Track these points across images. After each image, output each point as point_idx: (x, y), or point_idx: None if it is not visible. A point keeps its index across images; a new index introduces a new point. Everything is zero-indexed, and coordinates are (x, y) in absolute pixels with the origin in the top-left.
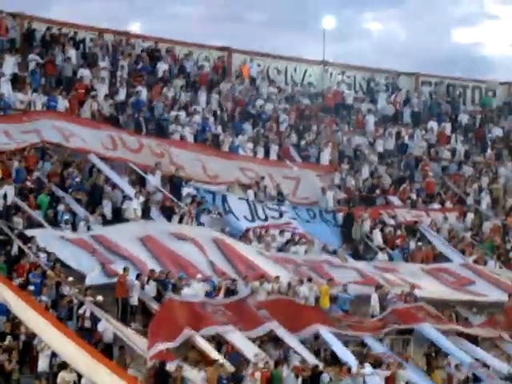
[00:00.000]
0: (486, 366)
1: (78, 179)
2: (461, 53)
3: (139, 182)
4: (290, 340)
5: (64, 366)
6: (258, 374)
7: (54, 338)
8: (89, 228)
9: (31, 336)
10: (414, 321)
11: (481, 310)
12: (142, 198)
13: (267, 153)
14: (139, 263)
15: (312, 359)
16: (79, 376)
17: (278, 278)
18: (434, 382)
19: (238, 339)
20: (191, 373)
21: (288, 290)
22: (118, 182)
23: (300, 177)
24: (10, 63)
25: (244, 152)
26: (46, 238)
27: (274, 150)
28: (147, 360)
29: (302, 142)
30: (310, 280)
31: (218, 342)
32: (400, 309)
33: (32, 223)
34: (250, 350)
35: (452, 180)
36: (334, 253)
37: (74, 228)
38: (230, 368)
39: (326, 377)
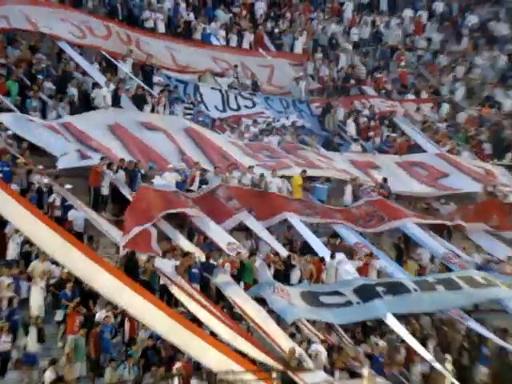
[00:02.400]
0: (458, 256)
1: (44, 65)
2: None
3: (110, 69)
4: (260, 230)
5: (33, 253)
6: (227, 265)
7: (27, 224)
8: (59, 116)
9: None
10: (399, 216)
11: (450, 200)
12: (112, 86)
13: (240, 41)
14: (107, 152)
15: (282, 250)
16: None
17: (251, 168)
18: (406, 271)
19: (211, 228)
20: (161, 262)
21: (260, 181)
22: (88, 69)
23: (274, 64)
24: None
25: (216, 40)
26: (16, 122)
27: (248, 38)
28: (120, 249)
29: (276, 30)
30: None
31: (190, 228)
32: (375, 200)
33: (0, 109)
34: (223, 239)
35: (427, 70)
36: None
37: (44, 116)
38: (201, 257)
39: (297, 267)
